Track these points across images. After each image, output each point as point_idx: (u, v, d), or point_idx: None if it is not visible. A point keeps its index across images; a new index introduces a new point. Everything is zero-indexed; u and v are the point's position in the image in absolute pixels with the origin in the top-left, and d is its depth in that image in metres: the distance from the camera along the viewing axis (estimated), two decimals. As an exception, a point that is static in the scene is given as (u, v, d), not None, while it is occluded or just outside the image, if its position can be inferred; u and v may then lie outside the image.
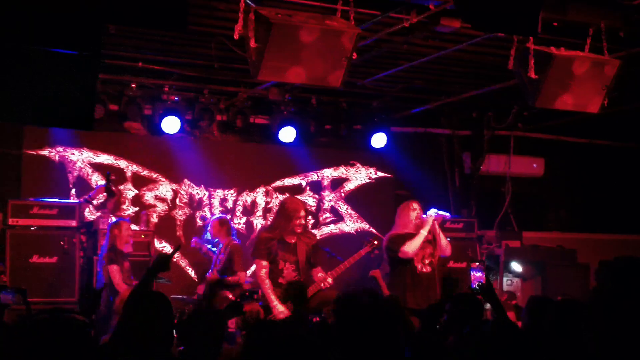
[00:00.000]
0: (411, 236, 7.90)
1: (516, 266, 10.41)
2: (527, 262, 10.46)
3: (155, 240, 9.69)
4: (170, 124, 9.44)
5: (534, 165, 11.50)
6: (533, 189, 11.58)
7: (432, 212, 7.99)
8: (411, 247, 7.84)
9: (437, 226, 7.99)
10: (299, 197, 10.64)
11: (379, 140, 10.49)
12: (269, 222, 9.81)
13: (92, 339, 3.79)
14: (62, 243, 8.84)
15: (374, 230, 10.90)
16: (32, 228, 8.81)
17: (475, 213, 10.88)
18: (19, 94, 5.63)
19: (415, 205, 8.08)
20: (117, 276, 8.25)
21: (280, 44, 6.13)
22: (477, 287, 5.21)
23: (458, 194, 11.23)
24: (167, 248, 9.94)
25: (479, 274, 5.91)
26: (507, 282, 10.41)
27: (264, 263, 7.65)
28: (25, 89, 5.67)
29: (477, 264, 6.16)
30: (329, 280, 7.61)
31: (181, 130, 9.61)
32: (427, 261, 7.98)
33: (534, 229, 11.00)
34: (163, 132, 9.56)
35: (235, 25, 6.05)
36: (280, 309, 7.44)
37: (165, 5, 5.45)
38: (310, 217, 10.83)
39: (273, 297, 7.52)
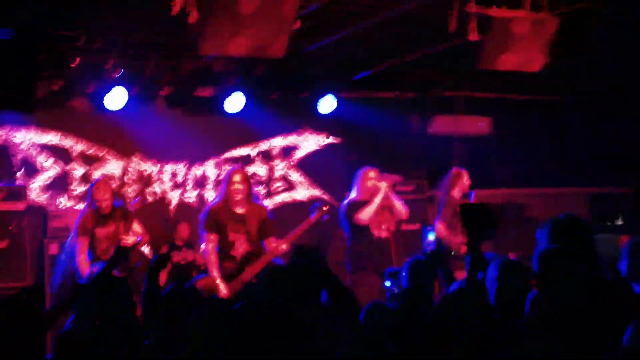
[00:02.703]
0: (366, 203, 8.00)
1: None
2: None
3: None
4: (116, 99, 9.30)
5: (481, 124, 11.60)
6: (481, 147, 11.69)
7: (383, 184, 8.05)
8: (366, 214, 7.96)
9: (390, 191, 8.07)
10: (249, 167, 10.66)
11: (327, 105, 10.48)
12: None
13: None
14: (10, 228, 8.72)
15: (325, 197, 10.94)
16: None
17: (426, 174, 10.95)
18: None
19: (372, 174, 8.16)
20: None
21: (220, 16, 6.08)
22: (428, 254, 5.27)
23: (407, 156, 11.29)
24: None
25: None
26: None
27: (212, 237, 7.62)
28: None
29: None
30: (283, 246, 7.58)
31: (127, 105, 9.47)
32: (383, 226, 8.08)
33: (484, 187, 11.09)
34: (108, 108, 9.41)
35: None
36: (221, 287, 7.42)
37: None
38: (261, 187, 10.83)
39: (216, 274, 7.50)
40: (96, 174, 9.97)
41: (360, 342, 4.01)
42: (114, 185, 9.78)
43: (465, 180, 8.62)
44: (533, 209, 10.98)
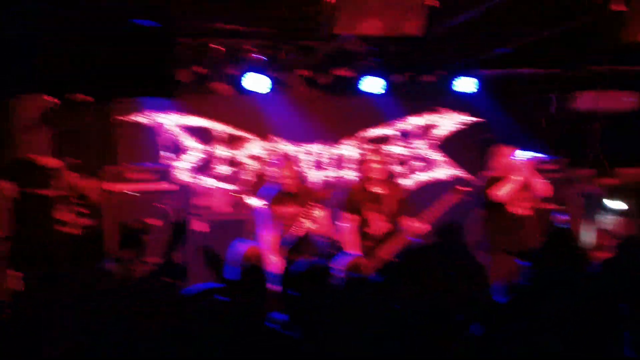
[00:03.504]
0: (504, 179, 7.85)
1: (615, 204, 10.16)
2: (626, 200, 10.18)
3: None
4: (257, 82, 9.54)
5: (628, 99, 11.13)
6: (626, 124, 11.23)
7: (522, 154, 7.89)
8: (503, 190, 7.81)
9: (530, 169, 7.87)
10: (387, 146, 10.67)
11: (464, 84, 10.36)
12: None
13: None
14: (161, 206, 9.06)
15: (464, 176, 10.81)
16: (131, 193, 9.07)
17: (567, 152, 10.64)
18: (108, 67, 5.82)
19: (507, 149, 8.01)
20: None
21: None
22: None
23: (547, 135, 10.99)
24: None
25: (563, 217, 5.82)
26: (609, 222, 10.18)
27: (351, 217, 7.69)
28: (113, 62, 5.84)
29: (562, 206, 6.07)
30: (421, 225, 7.54)
31: (266, 88, 9.69)
32: (523, 204, 7.91)
33: (629, 165, 10.68)
34: (249, 91, 9.65)
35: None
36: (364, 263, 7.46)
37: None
38: (400, 166, 10.83)
39: (356, 252, 7.56)
40: (240, 155, 10.25)
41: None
42: (258, 166, 10.02)
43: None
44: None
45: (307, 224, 7.56)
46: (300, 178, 8.06)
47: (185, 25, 8.33)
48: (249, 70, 9.47)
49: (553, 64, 10.90)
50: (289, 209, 7.84)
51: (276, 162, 8.13)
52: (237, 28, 9.01)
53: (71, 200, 8.87)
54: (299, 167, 10.15)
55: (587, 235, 10.14)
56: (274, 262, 7.54)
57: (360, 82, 9.95)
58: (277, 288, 6.90)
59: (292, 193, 7.86)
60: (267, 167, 9.83)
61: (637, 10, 6.64)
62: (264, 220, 7.77)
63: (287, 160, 8.15)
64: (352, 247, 7.63)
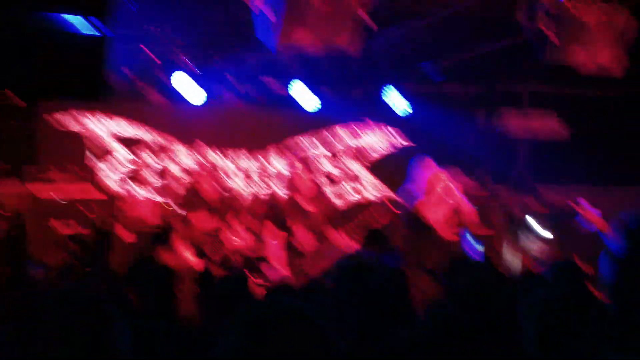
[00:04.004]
0: (433, 201, 7.81)
1: (540, 229, 10.25)
2: (551, 225, 10.31)
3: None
4: (192, 88, 9.54)
5: (549, 120, 11.44)
6: (548, 143, 11.53)
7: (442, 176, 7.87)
8: (434, 213, 7.77)
9: (460, 193, 7.91)
10: (319, 163, 10.69)
11: (394, 97, 10.54)
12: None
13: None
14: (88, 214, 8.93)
15: (394, 196, 10.94)
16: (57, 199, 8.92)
17: (490, 172, 10.85)
18: (37, 65, 5.70)
19: (431, 163, 8.01)
20: None
21: (293, 12, 6.16)
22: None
23: (472, 152, 11.20)
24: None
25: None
26: (533, 247, 10.28)
27: (277, 232, 7.66)
28: (41, 62, 5.73)
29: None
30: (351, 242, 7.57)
31: (200, 97, 9.67)
32: (452, 229, 7.91)
33: (550, 184, 10.95)
34: (180, 99, 9.60)
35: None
36: None
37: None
38: (330, 183, 10.87)
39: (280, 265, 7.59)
40: (169, 164, 10.15)
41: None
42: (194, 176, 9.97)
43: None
44: (598, 207, 10.75)
45: (231, 236, 7.54)
46: (222, 190, 8.05)
47: (120, 29, 8.26)
48: (180, 77, 9.42)
49: (481, 82, 11.14)
50: (208, 221, 7.83)
51: (197, 173, 8.16)
52: (171, 34, 9.00)
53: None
54: (222, 179, 10.15)
55: (513, 261, 10.24)
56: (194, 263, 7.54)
57: (291, 92, 9.99)
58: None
59: (211, 205, 7.85)
60: (190, 179, 9.80)
61: (561, 32, 6.84)
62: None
63: (208, 172, 8.14)
64: (278, 262, 7.63)
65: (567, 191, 11.01)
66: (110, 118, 9.90)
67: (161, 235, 8.48)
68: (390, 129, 11.21)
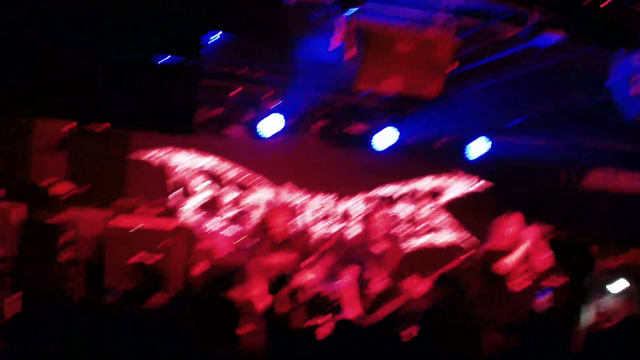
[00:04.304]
0: (508, 251, 7.67)
1: (616, 286, 10.08)
2: (627, 281, 10.13)
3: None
4: (271, 126, 9.61)
5: (637, 180, 11.18)
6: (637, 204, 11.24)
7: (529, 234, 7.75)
8: (508, 262, 7.59)
9: (534, 241, 7.73)
10: (394, 206, 10.67)
11: (477, 149, 10.40)
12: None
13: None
14: (159, 246, 9.03)
15: (469, 244, 10.78)
16: (135, 228, 9.06)
17: (574, 231, 10.62)
18: (127, 101, 5.86)
19: (513, 219, 7.91)
20: None
21: (377, 54, 6.19)
22: None
23: (558, 208, 10.98)
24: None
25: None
26: (608, 304, 10.07)
27: (350, 272, 7.65)
28: (131, 96, 5.88)
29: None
30: (422, 287, 7.49)
31: (281, 133, 9.75)
32: (523, 276, 7.73)
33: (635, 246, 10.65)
34: (262, 137, 9.71)
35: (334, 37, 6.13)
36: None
37: (264, 15, 5.59)
38: (404, 227, 10.83)
39: (355, 304, 7.53)
40: (247, 200, 10.27)
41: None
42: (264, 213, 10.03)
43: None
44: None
45: (304, 274, 7.52)
46: (291, 228, 8.04)
47: (210, 67, 8.44)
48: (267, 114, 9.54)
49: (564, 138, 10.96)
50: (277, 259, 7.84)
51: (274, 210, 8.17)
52: (258, 74, 9.13)
53: (73, 230, 8.86)
54: (293, 217, 10.16)
55: (586, 316, 10.05)
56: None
57: (374, 138, 10.00)
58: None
59: (280, 242, 7.86)
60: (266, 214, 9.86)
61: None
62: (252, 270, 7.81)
63: (278, 209, 8.15)
64: (351, 302, 7.57)
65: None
66: (196, 153, 10.07)
67: (234, 269, 8.53)
68: (472, 178, 11.10)
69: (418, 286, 7.48)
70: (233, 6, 5.43)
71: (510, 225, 7.79)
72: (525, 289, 7.70)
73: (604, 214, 10.91)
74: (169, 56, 5.54)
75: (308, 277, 7.34)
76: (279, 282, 7.68)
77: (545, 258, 7.78)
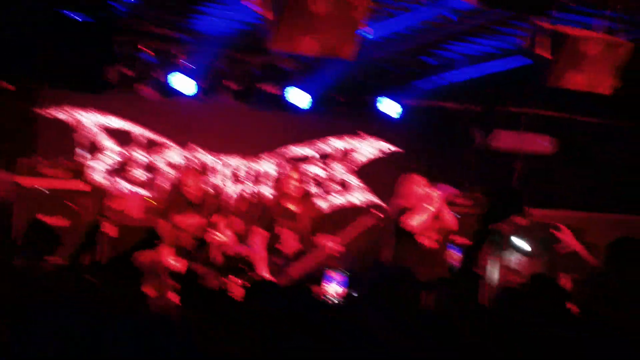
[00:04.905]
0: (416, 209, 7.81)
1: (522, 244, 10.41)
2: (533, 240, 10.46)
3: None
4: (185, 84, 9.45)
5: (545, 142, 11.48)
6: (543, 166, 11.55)
7: (437, 193, 7.87)
8: (416, 220, 7.70)
9: (443, 202, 7.87)
10: (307, 166, 10.71)
11: (391, 109, 10.46)
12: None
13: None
14: (71, 205, 8.87)
15: (382, 204, 10.91)
16: (42, 189, 8.87)
17: (484, 189, 10.86)
18: (36, 57, 5.70)
19: (419, 179, 7.92)
20: None
21: (293, 15, 6.14)
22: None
23: (467, 170, 11.21)
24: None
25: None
26: (514, 260, 10.41)
27: (261, 232, 7.67)
28: (42, 52, 5.72)
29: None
30: (334, 245, 7.56)
31: (193, 96, 9.61)
32: (433, 236, 7.88)
33: (543, 207, 10.97)
34: (176, 94, 9.54)
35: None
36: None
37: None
38: (318, 187, 10.88)
39: (263, 269, 7.58)
40: (159, 161, 10.14)
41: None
42: (177, 173, 9.91)
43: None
44: (590, 234, 10.80)
45: (214, 235, 7.50)
46: (205, 189, 8.00)
47: (119, 24, 8.24)
48: (180, 74, 9.39)
49: (478, 102, 11.16)
50: (190, 219, 7.79)
51: (184, 170, 8.12)
52: (170, 33, 8.97)
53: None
54: (208, 177, 10.11)
55: (492, 272, 10.35)
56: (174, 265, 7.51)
57: (285, 95, 9.95)
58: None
59: (194, 203, 7.81)
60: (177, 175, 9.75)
61: (562, 57, 6.85)
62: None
63: (192, 169, 8.10)
64: (260, 262, 7.61)
65: (555, 215, 11.08)
66: (103, 112, 9.87)
67: (145, 231, 8.44)
68: (382, 141, 11.20)
69: (332, 244, 7.56)
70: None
71: (416, 184, 7.84)
72: (437, 247, 7.85)
73: (515, 174, 11.18)
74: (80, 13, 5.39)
75: (221, 237, 7.32)
76: (191, 243, 7.65)
77: (452, 218, 7.91)
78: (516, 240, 10.44)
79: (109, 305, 5.28)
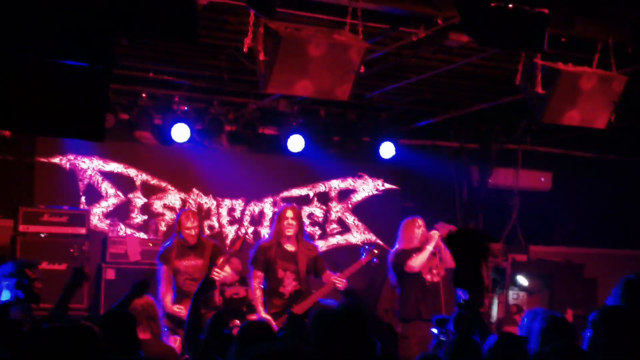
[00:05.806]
0: (416, 251, 8.00)
1: (522, 280, 10.41)
2: (533, 276, 10.47)
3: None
4: (180, 133, 9.50)
5: (542, 179, 11.50)
6: (540, 203, 11.56)
7: (435, 233, 8.05)
8: (417, 261, 7.96)
9: (441, 241, 8.02)
10: (306, 207, 10.72)
11: (387, 151, 10.51)
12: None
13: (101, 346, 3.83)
14: (71, 250, 8.86)
15: (380, 242, 10.90)
16: (42, 235, 8.88)
17: (482, 226, 10.88)
18: (32, 105, 5.70)
19: (420, 222, 8.17)
20: None
21: (288, 57, 6.20)
22: (462, 303, 5.17)
23: (465, 207, 11.23)
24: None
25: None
26: (514, 296, 10.42)
27: (259, 273, 7.67)
28: (38, 100, 5.74)
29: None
30: (343, 280, 7.57)
31: (191, 140, 9.65)
32: (435, 271, 8.05)
33: (541, 243, 10.98)
34: (173, 142, 9.61)
35: (245, 39, 6.12)
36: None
37: (176, 17, 5.52)
38: (316, 227, 10.89)
39: (261, 309, 7.57)
40: (157, 205, 10.16)
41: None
42: (173, 216, 9.91)
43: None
44: (590, 269, 10.82)
45: (214, 276, 7.47)
46: (203, 232, 8.00)
47: (118, 71, 8.32)
48: (176, 120, 9.45)
49: (474, 139, 11.20)
50: (189, 261, 7.80)
51: (178, 215, 8.13)
52: (169, 79, 9.06)
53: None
54: (205, 220, 10.12)
55: (495, 308, 10.34)
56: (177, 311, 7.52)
57: (286, 141, 10.02)
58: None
59: (193, 245, 7.82)
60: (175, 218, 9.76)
61: (556, 93, 6.90)
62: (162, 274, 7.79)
63: (190, 212, 8.11)
64: (257, 304, 7.64)
65: (554, 251, 11.09)
66: (104, 157, 9.92)
67: (144, 273, 8.41)
68: (383, 181, 11.22)
69: (338, 280, 7.55)
70: (143, 9, 5.35)
71: (415, 228, 8.10)
72: (437, 282, 7.94)
73: (511, 210, 11.18)
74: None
75: (219, 277, 7.31)
76: (190, 285, 7.63)
77: (450, 256, 7.96)
78: (517, 277, 10.45)
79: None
